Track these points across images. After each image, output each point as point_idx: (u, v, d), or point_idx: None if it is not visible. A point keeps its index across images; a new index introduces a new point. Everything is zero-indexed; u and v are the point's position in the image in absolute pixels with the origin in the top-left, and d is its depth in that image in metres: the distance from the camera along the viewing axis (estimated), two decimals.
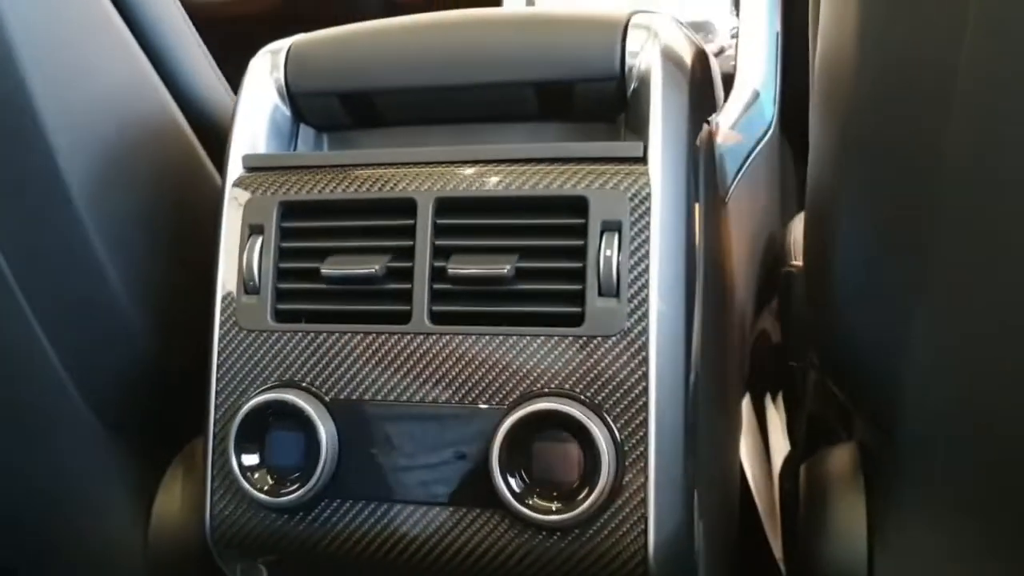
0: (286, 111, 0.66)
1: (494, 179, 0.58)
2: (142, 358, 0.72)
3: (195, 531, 0.67)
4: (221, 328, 0.61)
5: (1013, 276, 0.50)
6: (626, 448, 0.55)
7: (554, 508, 0.55)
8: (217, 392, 0.61)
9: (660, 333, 0.55)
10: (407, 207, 0.59)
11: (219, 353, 0.61)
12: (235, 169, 0.63)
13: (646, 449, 0.55)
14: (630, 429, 0.55)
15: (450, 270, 0.57)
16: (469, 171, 0.59)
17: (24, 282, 0.64)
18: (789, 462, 0.90)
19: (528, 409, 0.55)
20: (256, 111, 0.65)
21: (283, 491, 0.58)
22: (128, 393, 0.72)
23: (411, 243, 0.59)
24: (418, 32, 0.64)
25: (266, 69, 0.65)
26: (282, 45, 0.66)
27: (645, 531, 0.54)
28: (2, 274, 0.64)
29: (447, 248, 0.58)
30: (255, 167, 0.63)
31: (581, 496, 0.54)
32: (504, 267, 0.56)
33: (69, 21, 0.65)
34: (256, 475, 0.59)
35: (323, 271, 0.59)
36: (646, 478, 0.55)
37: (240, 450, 0.59)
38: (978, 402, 0.56)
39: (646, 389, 0.55)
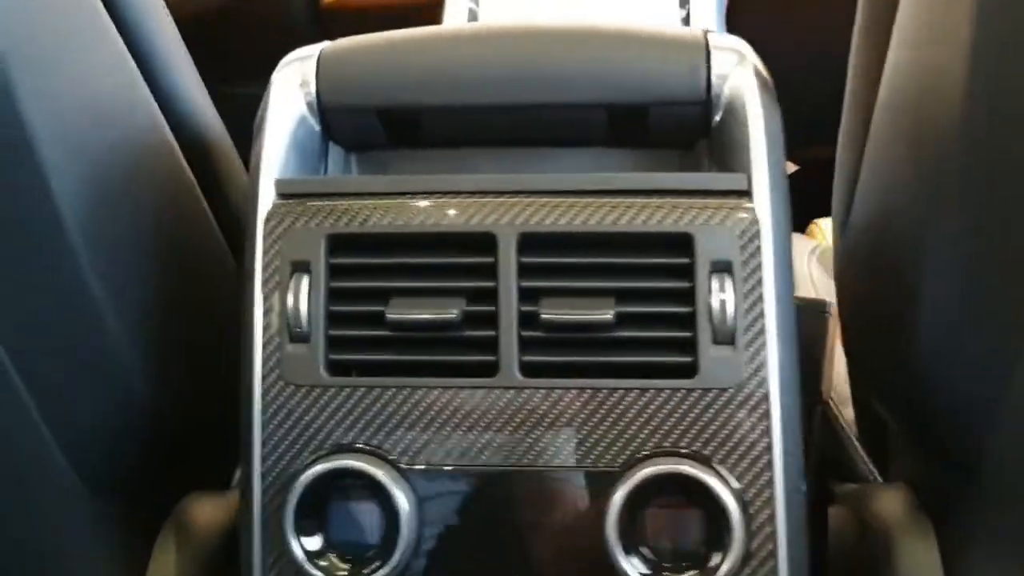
0: (315, 128, 0.57)
1: (584, 212, 0.52)
2: (138, 415, 0.62)
3: None
4: (264, 383, 0.53)
5: None
6: (751, 511, 0.50)
7: None
8: (263, 458, 0.52)
9: (780, 383, 0.51)
10: (485, 243, 0.52)
11: (262, 412, 0.52)
12: (267, 196, 0.54)
13: (773, 511, 0.50)
14: (755, 490, 0.50)
15: (544, 316, 0.51)
16: (555, 203, 0.53)
17: (3, 323, 0.53)
18: None
19: (648, 471, 0.49)
20: (283, 128, 0.56)
21: (352, 573, 0.51)
22: (119, 455, 0.62)
23: (491, 284, 0.52)
24: (474, 44, 0.57)
25: (294, 80, 0.56)
26: (308, 53, 0.57)
27: None
28: None
29: (533, 290, 0.52)
30: (291, 193, 0.54)
31: (709, 566, 0.49)
32: (607, 313, 0.51)
33: (60, 26, 0.54)
34: (320, 556, 0.51)
35: (389, 316, 0.51)
36: (775, 543, 0.50)
37: (300, 528, 0.51)
38: None
39: (769, 446, 0.51)
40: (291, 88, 0.56)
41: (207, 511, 0.68)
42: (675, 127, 0.56)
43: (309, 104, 0.56)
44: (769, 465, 0.50)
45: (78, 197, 0.54)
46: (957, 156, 0.54)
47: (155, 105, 0.63)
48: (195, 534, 0.66)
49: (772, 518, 0.50)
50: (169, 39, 0.65)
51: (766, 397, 0.51)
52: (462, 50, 0.57)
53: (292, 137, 0.56)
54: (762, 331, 0.51)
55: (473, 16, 0.87)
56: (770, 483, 0.50)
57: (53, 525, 0.62)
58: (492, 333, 0.51)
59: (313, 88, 0.56)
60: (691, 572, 0.50)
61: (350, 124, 0.57)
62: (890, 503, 0.64)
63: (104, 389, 0.59)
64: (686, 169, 0.58)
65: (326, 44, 0.58)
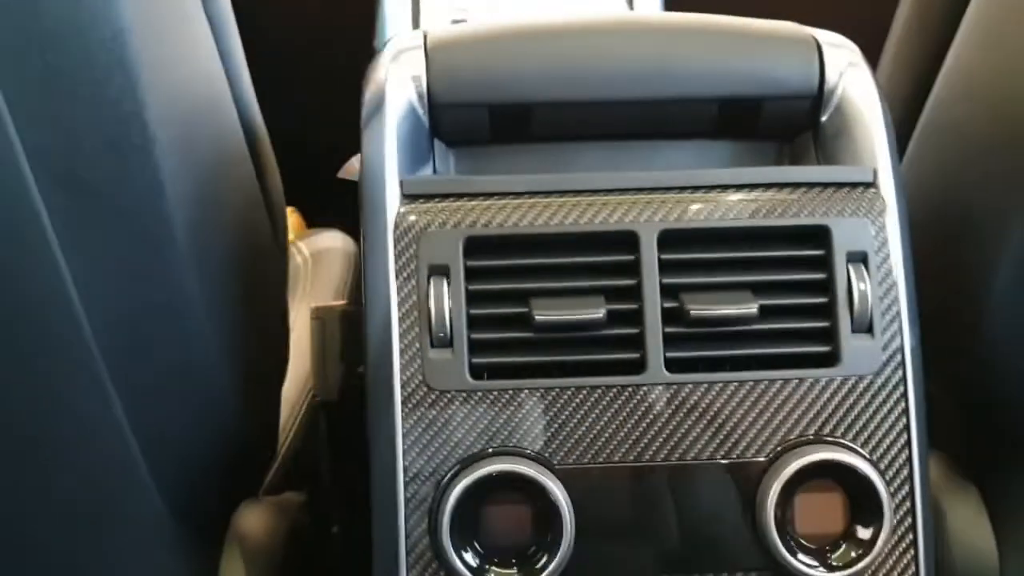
0: (424, 123, 0.55)
1: (722, 208, 0.53)
2: (217, 418, 0.59)
3: None
4: (405, 389, 0.51)
5: None
6: (893, 490, 0.52)
7: (835, 564, 0.51)
8: (407, 466, 0.51)
9: (914, 369, 0.53)
10: (627, 241, 0.52)
11: (406, 419, 0.51)
12: (392, 197, 0.53)
13: (912, 493, 0.53)
14: (895, 473, 0.52)
15: (692, 312, 0.51)
16: (693, 198, 0.53)
17: (103, 340, 0.50)
18: None
19: (803, 462, 0.50)
20: (397, 124, 0.54)
21: None
22: (203, 476, 0.59)
23: (632, 281, 0.52)
24: (588, 37, 0.56)
25: (406, 73, 0.54)
26: (412, 43, 0.56)
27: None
28: (84, 344, 0.49)
29: (673, 286, 0.52)
30: (420, 195, 0.53)
31: (857, 551, 0.51)
32: (752, 306, 0.51)
33: (168, 13, 0.51)
34: (475, 559, 0.50)
35: (537, 317, 0.51)
36: (914, 518, 0.52)
37: (457, 536, 0.50)
38: None
39: (907, 428, 0.52)
40: (403, 84, 0.54)
41: (265, 520, 0.66)
42: (783, 120, 0.57)
43: (420, 98, 0.55)
44: (907, 445, 0.52)
45: (181, 184, 0.51)
46: None
47: (231, 100, 0.60)
48: (260, 545, 0.64)
49: (911, 495, 0.52)
50: (236, 38, 0.63)
51: (903, 381, 0.52)
52: (575, 44, 0.56)
53: (403, 133, 0.54)
54: (896, 318, 0.53)
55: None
56: (908, 462, 0.52)
57: (131, 557, 0.59)
58: (636, 330, 0.51)
59: (424, 82, 0.54)
60: (847, 551, 0.51)
61: (458, 119, 0.56)
62: (935, 470, 0.67)
63: (188, 391, 0.57)
64: (788, 161, 0.59)
65: (427, 32, 0.56)
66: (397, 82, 0.54)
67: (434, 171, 0.56)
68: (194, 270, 0.53)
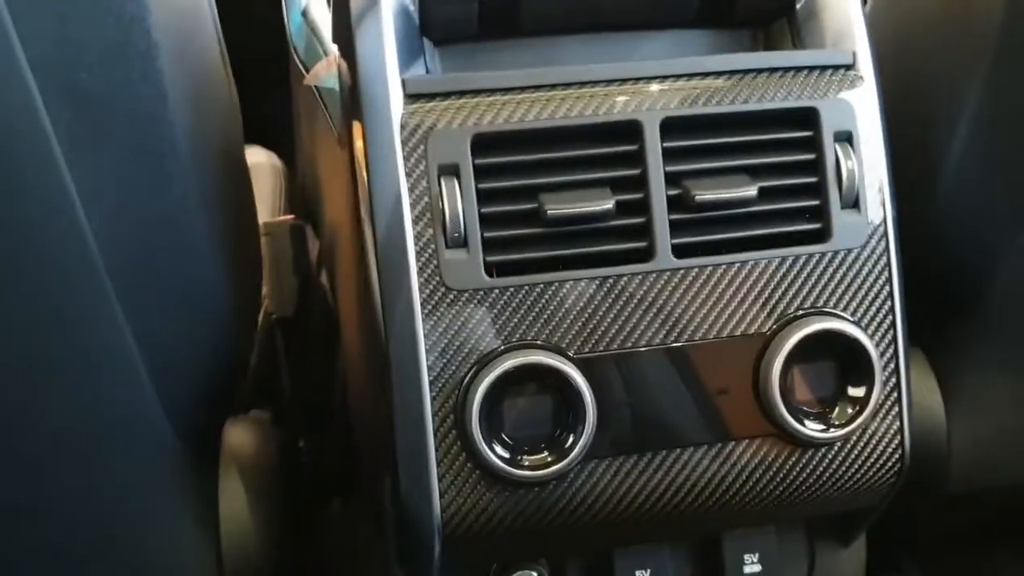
0: (415, 21, 0.55)
1: (718, 94, 0.54)
2: (227, 354, 0.58)
3: (271, 538, 0.58)
4: (423, 291, 0.52)
5: None
6: (881, 351, 0.56)
7: (835, 422, 0.55)
8: (430, 366, 0.52)
9: (895, 240, 0.56)
10: (631, 131, 0.53)
11: (425, 320, 0.52)
12: (396, 98, 0.52)
13: (896, 353, 0.57)
14: (883, 336, 0.56)
15: (696, 197, 0.53)
16: (690, 86, 0.54)
17: (110, 254, 0.49)
18: None
19: (807, 330, 0.54)
20: (390, 24, 0.53)
21: (548, 462, 0.52)
22: (206, 396, 0.59)
23: (637, 171, 0.53)
24: None
25: None
26: None
27: (902, 431, 0.57)
28: (91, 262, 0.48)
29: (676, 174, 0.54)
30: (422, 94, 0.52)
31: (853, 409, 0.55)
32: (751, 189, 0.54)
33: None
34: (507, 451, 0.52)
35: (549, 212, 0.52)
36: (898, 379, 0.57)
37: (487, 427, 0.51)
38: None
39: (891, 295, 0.56)
40: None
41: (253, 438, 0.67)
42: (760, 7, 0.59)
43: None
44: (891, 311, 0.56)
45: (180, 91, 0.50)
46: (1003, 12, 0.59)
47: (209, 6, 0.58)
48: (253, 462, 0.64)
49: (896, 354, 0.57)
50: None
51: (886, 251, 0.56)
52: None
53: (397, 33, 0.53)
54: (880, 192, 0.56)
55: None
56: (892, 325, 0.56)
57: (140, 477, 0.58)
58: (643, 219, 0.53)
59: None
60: (844, 410, 0.55)
61: (447, 17, 0.55)
62: None
63: (192, 304, 0.56)
64: (763, 46, 0.60)
65: None
66: None
67: (425, 69, 0.56)
68: (193, 179, 0.52)
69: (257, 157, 1.08)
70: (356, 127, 0.53)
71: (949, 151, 0.64)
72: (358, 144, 0.53)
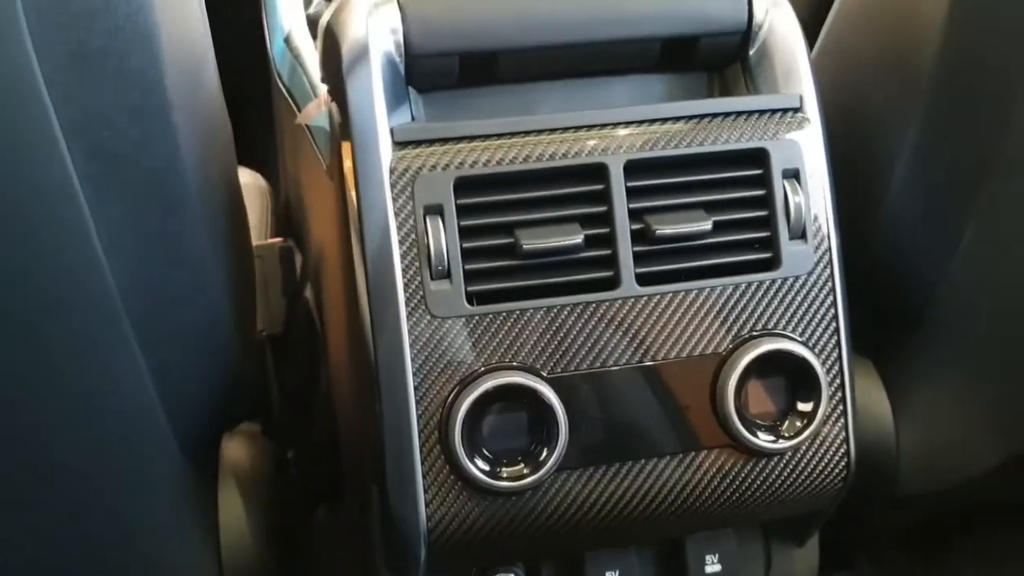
0: (401, 72, 0.60)
1: (676, 138, 0.60)
2: (229, 373, 0.63)
3: (268, 545, 0.64)
4: (410, 319, 0.57)
5: None
6: (826, 367, 0.62)
7: (785, 434, 0.61)
8: (416, 387, 0.57)
9: (839, 266, 0.62)
10: (597, 172, 0.59)
11: (412, 345, 0.57)
12: (385, 145, 0.58)
13: (841, 371, 0.62)
14: (828, 355, 0.62)
15: (657, 231, 0.59)
16: (651, 131, 0.60)
17: (130, 299, 0.54)
18: None
19: (760, 350, 0.59)
20: (379, 77, 0.59)
21: (524, 473, 0.58)
22: (209, 413, 0.64)
23: (603, 208, 0.59)
24: None
25: (384, 27, 0.59)
26: None
27: (847, 441, 0.63)
28: (111, 305, 0.53)
29: (639, 210, 0.59)
30: (410, 141, 0.58)
31: (801, 422, 0.61)
32: (707, 222, 0.59)
33: None
34: (487, 463, 0.58)
35: (524, 246, 0.57)
36: (843, 394, 0.62)
37: (468, 442, 0.57)
38: (1007, 296, 0.70)
39: (836, 317, 0.62)
40: (382, 36, 0.59)
41: (249, 451, 0.71)
42: (716, 54, 0.64)
43: (397, 50, 0.59)
44: (836, 332, 0.62)
45: (192, 144, 0.55)
46: (934, 62, 0.66)
47: (211, 48, 0.63)
48: (251, 475, 0.69)
49: (841, 372, 0.62)
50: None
51: (831, 277, 0.62)
52: None
53: (384, 83, 0.59)
54: (824, 224, 0.62)
55: None
56: (837, 345, 0.62)
57: (144, 470, 0.63)
58: (609, 251, 0.59)
59: (401, 34, 0.59)
60: (792, 423, 0.60)
61: (430, 68, 0.61)
62: None
63: (203, 340, 0.61)
64: (719, 89, 0.66)
65: None
66: (377, 35, 0.58)
67: (411, 115, 0.61)
68: (201, 218, 0.57)
69: (243, 178, 1.12)
70: (347, 168, 0.58)
71: (891, 180, 0.70)
72: (349, 183, 0.58)
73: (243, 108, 0.93)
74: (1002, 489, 0.80)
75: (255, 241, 0.93)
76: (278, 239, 0.89)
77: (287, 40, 0.87)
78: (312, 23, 0.83)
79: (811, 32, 0.76)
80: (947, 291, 0.71)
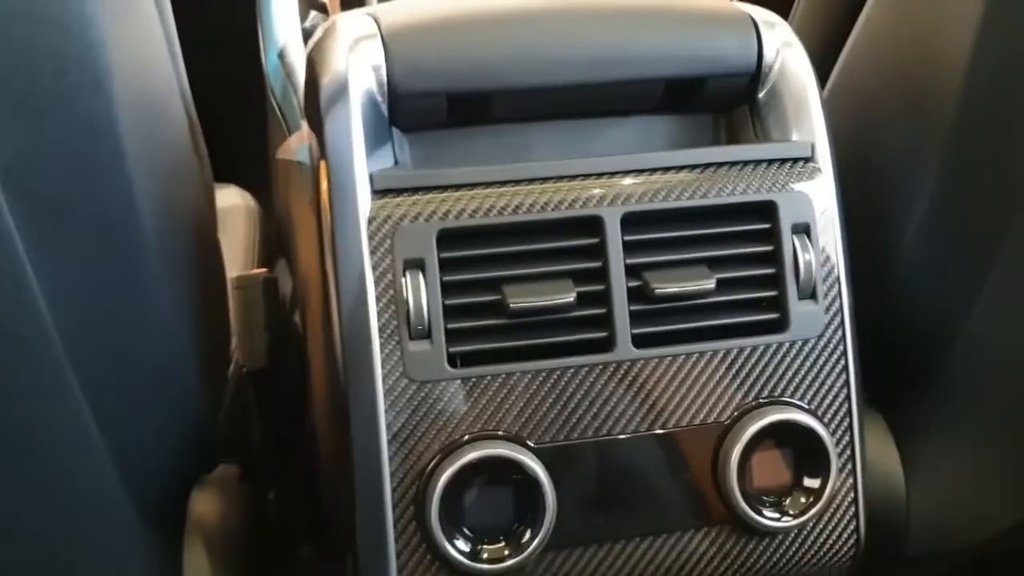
0: (384, 113, 0.56)
1: (678, 188, 0.56)
2: (192, 425, 0.59)
3: None
4: (386, 382, 0.53)
5: None
6: (836, 439, 0.57)
7: (790, 512, 0.56)
8: (391, 457, 0.53)
9: (851, 329, 0.57)
10: (592, 225, 0.54)
11: (388, 411, 0.53)
12: (363, 192, 0.53)
13: (852, 442, 0.58)
14: (838, 426, 0.57)
15: (656, 290, 0.54)
16: (651, 180, 0.55)
17: (74, 348, 0.49)
18: None
19: (765, 421, 0.55)
20: (359, 118, 0.54)
21: (506, 555, 0.53)
22: (169, 468, 0.59)
23: (598, 264, 0.54)
24: (543, 23, 0.57)
25: (366, 63, 0.54)
26: (365, 31, 0.55)
27: (857, 517, 0.58)
28: (47, 339, 0.49)
29: (636, 266, 0.55)
30: (388, 189, 0.53)
31: (807, 499, 0.56)
32: (710, 281, 0.55)
33: (137, 26, 0.50)
34: (467, 542, 0.53)
35: (511, 305, 0.53)
36: (854, 467, 0.58)
37: (447, 518, 0.52)
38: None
39: (847, 384, 0.57)
40: (363, 73, 0.54)
41: (219, 503, 0.67)
42: (723, 96, 0.60)
43: (380, 88, 0.55)
44: (847, 400, 0.57)
45: (149, 192, 0.51)
46: (956, 104, 0.61)
47: (176, 83, 0.59)
48: (218, 531, 0.65)
49: (851, 444, 0.58)
50: (173, 25, 0.61)
51: (843, 340, 0.57)
52: (531, 31, 0.57)
53: (365, 123, 0.54)
54: (836, 283, 0.57)
55: None
56: (848, 414, 0.58)
57: (91, 526, 0.59)
58: (604, 310, 0.54)
59: (384, 72, 0.54)
60: (798, 500, 0.56)
61: (416, 108, 0.56)
62: None
63: (157, 390, 0.57)
64: (726, 132, 0.62)
65: (381, 17, 0.56)
66: (358, 73, 0.54)
67: (394, 158, 0.57)
68: (163, 275, 0.53)
69: (231, 199, 1.08)
70: (324, 213, 0.54)
71: (906, 227, 0.66)
72: (325, 229, 0.54)
73: (237, 123, 0.89)
74: (1016, 547, 0.76)
75: (239, 268, 0.88)
76: (262, 270, 0.85)
77: (281, 55, 0.83)
78: (307, 37, 0.79)
79: (824, 70, 0.72)
80: (964, 345, 0.67)
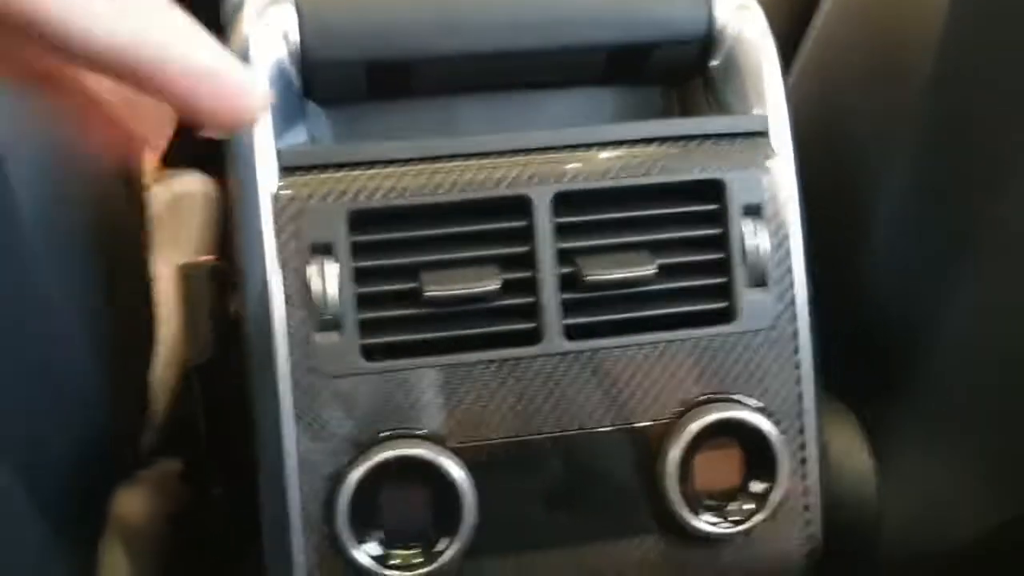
0: (295, 84, 0.51)
1: (616, 166, 0.51)
2: (97, 427, 0.55)
3: None
4: (292, 376, 0.48)
5: None
6: (787, 439, 0.53)
7: (733, 518, 0.52)
8: (300, 457, 0.49)
9: (804, 320, 0.53)
10: (520, 206, 0.50)
11: (295, 406, 0.48)
12: (268, 170, 0.49)
13: (805, 445, 0.53)
14: (790, 426, 0.53)
15: (588, 277, 0.50)
16: (586, 157, 0.51)
17: None
18: None
19: (708, 420, 0.50)
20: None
21: (418, 563, 0.49)
22: (75, 472, 0.55)
23: (526, 248, 0.50)
24: None
25: (275, 33, 0.50)
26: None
27: (811, 523, 0.54)
28: None
29: (569, 251, 0.50)
30: (298, 166, 0.49)
31: (754, 504, 0.52)
32: (650, 267, 0.50)
33: None
34: (381, 546, 0.49)
35: (427, 293, 0.48)
36: (806, 472, 0.53)
37: (357, 526, 0.48)
38: (1002, 356, 0.61)
39: (799, 381, 0.53)
40: (272, 41, 0.50)
41: (143, 503, 0.64)
42: (672, 66, 0.55)
43: (292, 57, 0.50)
44: (799, 396, 0.53)
45: (34, 189, 0.46)
46: (931, 77, 0.56)
47: None
48: (140, 531, 0.61)
49: (803, 443, 0.53)
50: None
51: (795, 334, 0.52)
52: None
53: (274, 96, 0.50)
54: (789, 270, 0.52)
55: None
56: (800, 412, 0.53)
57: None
58: (532, 299, 0.50)
59: (296, 40, 0.50)
60: (742, 505, 0.52)
61: (333, 78, 0.52)
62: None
63: (54, 393, 0.53)
64: (678, 105, 0.57)
65: None
66: (265, 40, 0.49)
67: (307, 134, 0.52)
68: (53, 269, 0.48)
69: (190, 186, 1.04)
70: (230, 188, 0.50)
71: (879, 215, 0.61)
72: (231, 209, 0.50)
73: None
74: (991, 547, 0.72)
75: (191, 256, 0.84)
76: (209, 257, 0.81)
77: None
78: None
79: (790, 49, 0.67)
80: (937, 341, 0.62)
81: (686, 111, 0.57)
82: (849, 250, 0.63)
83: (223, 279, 0.75)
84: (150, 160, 1.11)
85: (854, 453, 0.66)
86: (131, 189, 0.63)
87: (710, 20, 0.53)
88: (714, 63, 0.55)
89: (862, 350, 0.69)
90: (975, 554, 0.69)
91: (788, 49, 0.67)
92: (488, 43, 0.52)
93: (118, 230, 0.60)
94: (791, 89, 0.64)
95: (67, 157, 0.51)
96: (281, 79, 0.50)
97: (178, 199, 0.94)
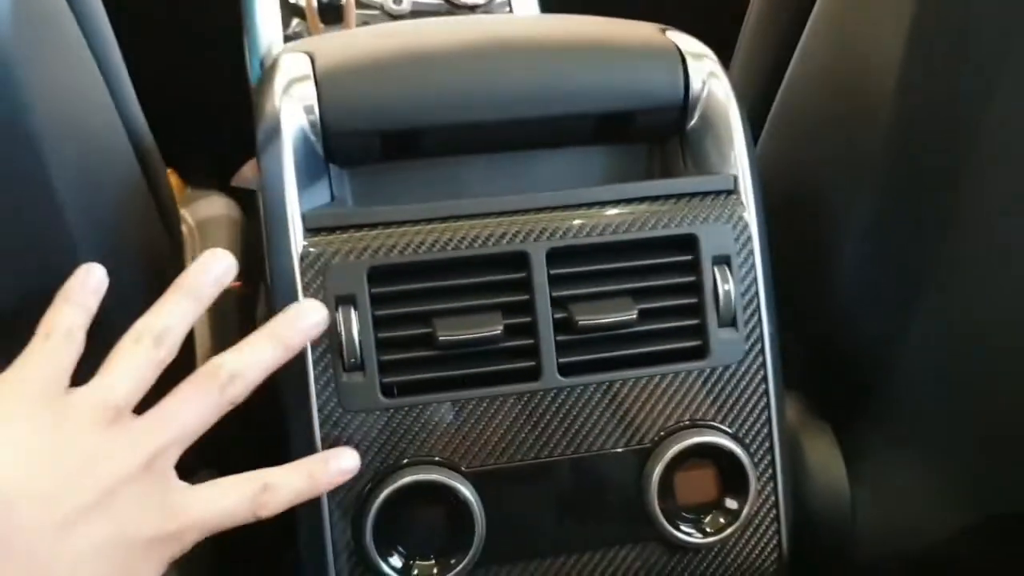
0: (319, 151, 0.58)
1: (603, 223, 0.58)
2: None
3: None
4: (321, 413, 0.55)
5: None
6: (756, 461, 0.60)
7: (708, 530, 0.59)
8: None
9: (772, 355, 0.60)
10: (518, 260, 0.57)
11: (324, 440, 0.56)
12: (296, 231, 0.56)
13: (773, 464, 0.60)
14: (757, 443, 0.60)
15: (580, 321, 0.57)
16: (575, 215, 0.58)
17: None
18: None
19: (684, 444, 0.58)
20: (293, 155, 0.57)
21: (435, 573, 0.56)
22: None
23: (525, 297, 0.57)
24: (474, 61, 0.60)
25: (298, 107, 0.57)
26: (300, 72, 0.58)
27: (779, 534, 0.61)
28: None
29: (562, 298, 0.57)
30: (320, 227, 0.56)
31: (728, 517, 0.59)
32: (632, 312, 0.57)
33: (45, 27, 0.52)
34: (402, 559, 0.56)
35: (441, 338, 0.55)
36: (775, 482, 0.61)
37: (381, 542, 0.55)
38: (967, 372, 0.67)
39: (768, 408, 0.60)
40: (297, 114, 0.57)
41: None
42: (653, 128, 0.62)
43: (313, 128, 0.57)
44: (768, 422, 0.60)
45: (80, 208, 0.53)
46: (885, 132, 0.63)
47: (114, 109, 0.61)
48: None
49: (772, 463, 0.61)
50: (114, 47, 0.63)
51: (763, 366, 0.60)
52: (461, 69, 0.59)
53: (299, 162, 0.57)
54: (756, 311, 0.59)
55: None
56: (769, 436, 0.60)
57: None
58: (531, 341, 0.57)
59: (317, 112, 0.57)
60: (718, 518, 0.59)
61: (351, 145, 0.59)
62: (794, 409, 0.75)
63: None
64: (659, 162, 0.64)
65: (317, 56, 0.58)
66: (291, 113, 0.56)
67: (331, 193, 0.59)
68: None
69: (215, 209, 1.10)
70: (264, 244, 0.57)
71: (847, 246, 0.68)
72: (265, 259, 0.56)
73: (226, 129, 0.91)
74: (959, 553, 0.79)
75: None
76: (236, 283, 0.87)
77: (263, 63, 0.86)
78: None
79: (770, 96, 0.74)
80: (904, 360, 0.69)
81: (666, 167, 0.64)
82: (821, 280, 0.70)
83: (249, 304, 0.82)
84: (174, 182, 1.17)
85: (830, 466, 0.73)
86: (167, 226, 0.69)
87: (686, 87, 0.60)
88: (689, 125, 0.62)
89: (835, 371, 0.76)
90: (945, 560, 0.76)
91: (764, 102, 0.74)
92: (489, 113, 0.59)
93: (158, 263, 0.66)
94: (762, 143, 0.72)
95: (115, 196, 0.57)
96: (305, 146, 0.57)
97: (205, 223, 1.00)
